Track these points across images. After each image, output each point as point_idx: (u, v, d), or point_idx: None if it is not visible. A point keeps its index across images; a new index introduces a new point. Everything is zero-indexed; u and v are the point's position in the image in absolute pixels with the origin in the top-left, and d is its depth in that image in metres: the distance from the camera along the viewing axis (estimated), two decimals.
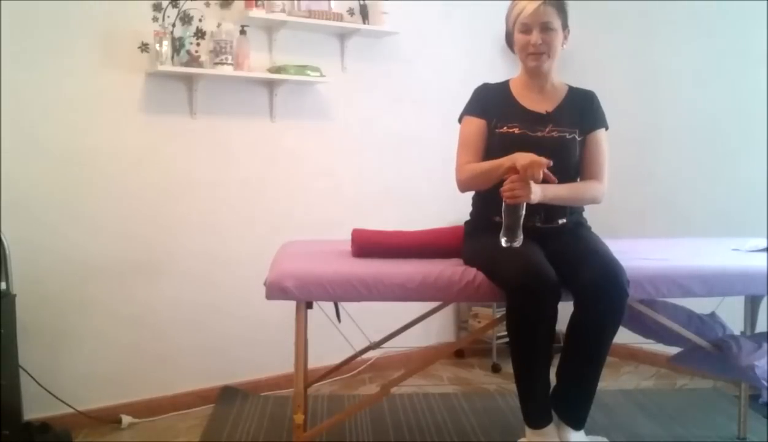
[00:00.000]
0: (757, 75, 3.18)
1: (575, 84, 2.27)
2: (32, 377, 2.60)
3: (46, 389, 2.65)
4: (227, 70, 2.92)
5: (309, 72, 3.13)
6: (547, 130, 2.13)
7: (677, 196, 3.50)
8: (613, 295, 1.87)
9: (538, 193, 1.95)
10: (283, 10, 3.03)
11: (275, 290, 1.93)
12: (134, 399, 2.89)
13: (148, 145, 2.90)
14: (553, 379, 1.99)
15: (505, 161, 1.99)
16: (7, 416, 2.37)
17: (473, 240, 2.16)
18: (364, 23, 3.31)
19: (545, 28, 2.09)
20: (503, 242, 1.95)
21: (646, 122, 3.62)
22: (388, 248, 2.22)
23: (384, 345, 2.64)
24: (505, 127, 2.14)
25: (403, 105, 3.57)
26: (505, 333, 2.01)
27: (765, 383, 2.22)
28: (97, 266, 2.80)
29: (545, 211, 2.09)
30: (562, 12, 2.13)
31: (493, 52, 3.69)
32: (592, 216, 2.27)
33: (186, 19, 2.90)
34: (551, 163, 1.93)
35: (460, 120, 2.25)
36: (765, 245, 2.38)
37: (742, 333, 2.46)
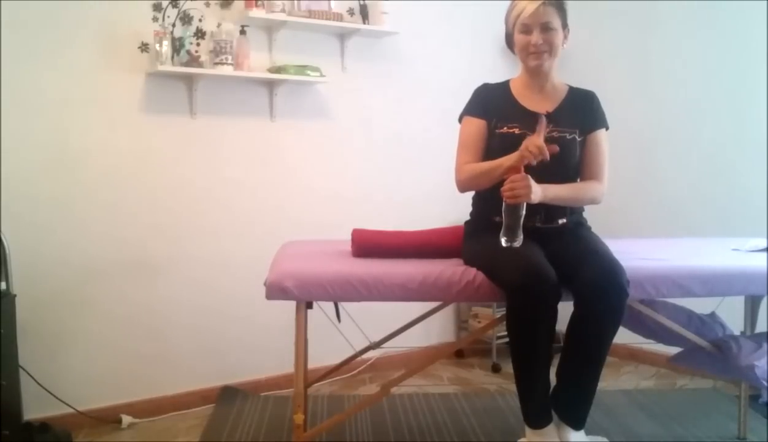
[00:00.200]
0: (757, 75, 3.18)
1: (575, 84, 2.27)
2: (32, 377, 2.60)
3: (46, 389, 2.65)
4: (227, 70, 2.92)
5: (309, 72, 3.13)
6: (548, 130, 2.13)
7: (677, 197, 3.50)
8: (613, 295, 1.87)
9: (538, 193, 1.95)
10: (283, 10, 3.03)
11: (275, 290, 1.93)
12: (134, 399, 2.89)
13: (148, 145, 2.90)
14: (553, 379, 1.99)
15: (505, 161, 2.00)
16: (7, 416, 2.37)
17: (473, 240, 2.16)
18: (364, 23, 3.31)
19: (545, 28, 2.09)
20: (503, 242, 1.95)
21: (646, 122, 3.62)
22: (388, 248, 2.22)
23: (384, 345, 2.64)
24: (505, 128, 2.14)
25: (403, 105, 3.57)
26: (505, 333, 2.01)
27: (765, 383, 2.22)
28: (97, 266, 2.80)
29: (545, 211, 2.09)
30: (562, 11, 2.13)
31: (493, 52, 3.69)
32: (592, 216, 2.27)
33: (186, 19, 2.90)
34: (544, 120, 1.94)
35: (460, 120, 2.25)
36: (765, 245, 2.38)
37: (742, 333, 2.46)
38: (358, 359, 2.82)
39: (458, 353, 3.76)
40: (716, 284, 2.09)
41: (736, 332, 2.41)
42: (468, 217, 2.29)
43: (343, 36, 3.35)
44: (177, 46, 2.85)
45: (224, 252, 3.08)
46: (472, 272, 1.99)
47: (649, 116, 3.62)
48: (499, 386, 3.30)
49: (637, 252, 2.24)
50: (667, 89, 3.54)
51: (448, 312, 3.72)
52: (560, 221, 2.14)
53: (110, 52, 2.78)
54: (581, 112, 2.19)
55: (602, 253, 1.98)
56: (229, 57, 2.91)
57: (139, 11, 2.82)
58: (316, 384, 2.94)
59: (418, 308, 2.51)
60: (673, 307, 2.35)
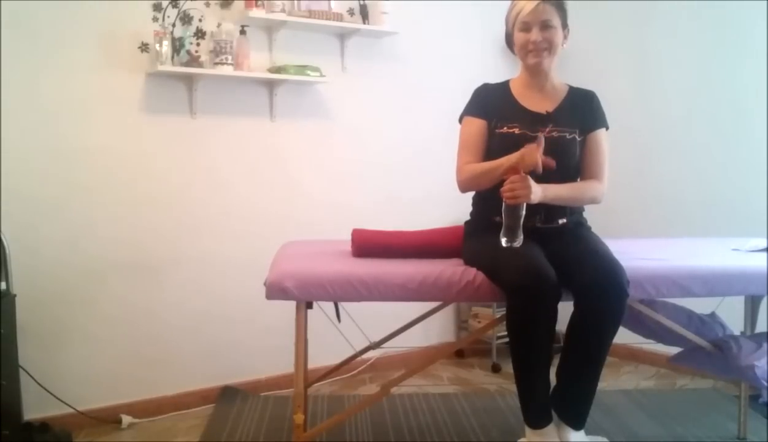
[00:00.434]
0: (757, 75, 3.18)
1: (575, 84, 2.28)
2: (32, 377, 2.60)
3: (46, 389, 2.65)
4: (227, 70, 2.92)
5: (309, 72, 3.13)
6: (548, 130, 2.13)
7: (677, 196, 3.50)
8: (613, 295, 1.87)
9: (538, 193, 1.95)
10: (283, 10, 3.03)
11: (275, 290, 1.93)
12: (134, 399, 2.89)
13: (148, 145, 2.90)
14: (553, 379, 1.99)
15: (505, 161, 2.00)
16: (7, 416, 2.37)
17: (473, 240, 2.16)
18: (364, 23, 3.31)
19: (545, 26, 2.09)
20: (503, 242, 1.95)
21: (645, 122, 3.62)
22: (388, 248, 2.22)
23: (384, 345, 2.64)
24: (505, 128, 2.14)
25: (403, 105, 3.57)
26: (505, 333, 2.01)
27: (765, 383, 2.22)
28: (97, 266, 2.80)
29: (545, 211, 2.09)
30: (562, 11, 2.13)
31: (493, 52, 3.69)
32: (591, 216, 2.27)
33: (186, 19, 2.90)
34: (542, 140, 1.93)
35: (460, 120, 2.25)
36: (765, 245, 2.38)
37: (742, 333, 2.46)
38: (358, 359, 2.82)
39: (458, 353, 3.76)
40: (716, 284, 2.09)
41: (736, 332, 2.41)
42: (468, 218, 2.29)
43: (343, 36, 3.35)
44: (177, 46, 2.85)
45: (224, 252, 3.08)
46: (472, 272, 1.99)
47: (649, 116, 3.62)
48: (499, 386, 3.30)
49: (637, 252, 2.24)
50: (667, 89, 3.54)
51: (448, 312, 3.72)
52: (560, 221, 2.14)
53: (110, 52, 2.78)
54: (581, 111, 2.19)
55: (602, 253, 1.98)
56: (229, 57, 2.91)
57: (139, 11, 2.82)
58: (316, 384, 2.94)
59: (418, 308, 2.51)
60: (673, 307, 2.35)
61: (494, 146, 2.14)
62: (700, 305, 2.36)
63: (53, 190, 2.71)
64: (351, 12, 3.33)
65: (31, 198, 2.66)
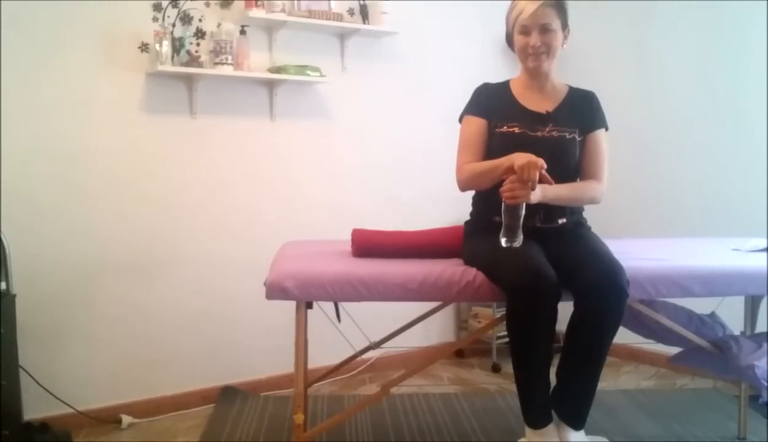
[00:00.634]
0: (757, 75, 3.18)
1: (575, 84, 2.28)
2: (32, 377, 2.60)
3: (46, 389, 2.65)
4: (227, 70, 2.92)
5: (309, 72, 3.13)
6: (547, 130, 2.13)
7: (677, 196, 3.50)
8: (613, 295, 1.87)
9: (537, 193, 1.95)
10: (283, 10, 3.03)
11: (275, 290, 1.93)
12: (134, 399, 2.89)
13: (148, 145, 2.90)
14: (553, 379, 1.99)
15: (505, 161, 1.99)
16: (7, 416, 2.37)
17: (473, 240, 2.16)
18: (364, 23, 3.31)
19: (545, 30, 2.09)
20: (503, 242, 1.95)
21: (645, 122, 3.62)
22: (388, 248, 2.22)
23: (384, 345, 2.64)
24: (505, 127, 2.14)
25: (403, 105, 3.57)
26: (505, 333, 2.01)
27: (765, 383, 2.22)
28: (97, 266, 2.80)
29: (545, 211, 2.09)
30: (562, 12, 2.13)
31: (493, 52, 3.69)
32: (591, 216, 2.27)
33: (186, 19, 2.90)
34: (545, 166, 1.92)
35: (460, 120, 2.25)
36: (765, 245, 2.38)
37: (742, 333, 2.46)
38: (358, 359, 2.82)
39: (458, 353, 3.76)
40: (716, 284, 2.09)
41: (736, 332, 2.41)
42: (468, 218, 2.29)
43: (343, 36, 3.35)
44: (177, 46, 2.85)
45: (224, 252, 3.08)
46: (472, 272, 1.99)
47: (649, 116, 3.62)
48: (499, 386, 3.30)
49: (637, 252, 2.23)
50: (667, 89, 3.54)
51: (448, 312, 3.72)
52: (560, 221, 2.14)
53: (110, 52, 2.78)
54: (581, 112, 2.19)
55: (602, 253, 1.98)
56: (229, 57, 2.91)
57: (139, 11, 2.82)
58: (316, 384, 2.94)
59: (418, 308, 2.51)
60: (673, 307, 2.35)
61: (494, 146, 2.14)
62: (700, 305, 2.36)
63: (53, 191, 2.71)
64: (351, 12, 3.33)
65: (31, 198, 2.66)
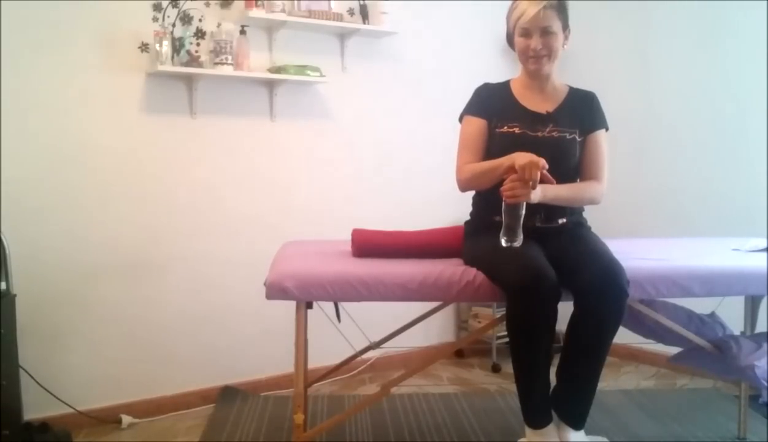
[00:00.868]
0: (757, 75, 3.18)
1: (575, 84, 2.28)
2: (32, 377, 2.60)
3: (46, 389, 2.65)
4: (227, 70, 2.92)
5: (309, 72, 3.13)
6: (548, 130, 2.13)
7: (677, 196, 3.50)
8: (613, 295, 1.87)
9: (538, 193, 1.95)
10: (283, 10, 3.03)
11: (275, 290, 1.93)
12: (134, 399, 2.89)
13: (148, 145, 2.90)
14: (553, 379, 1.99)
15: (505, 161, 1.99)
16: (7, 416, 2.37)
17: (473, 240, 2.16)
18: (364, 23, 3.31)
19: (545, 32, 2.09)
20: (503, 241, 1.95)
21: (645, 122, 3.62)
22: (388, 248, 2.22)
23: (384, 345, 2.64)
24: (505, 127, 2.14)
25: (403, 105, 3.57)
26: (505, 333, 2.01)
27: (765, 383, 2.22)
28: (97, 266, 2.80)
29: (545, 211, 2.09)
30: (563, 13, 2.12)
31: (493, 52, 3.69)
32: (591, 216, 2.27)
33: (186, 19, 2.90)
34: (546, 166, 1.92)
35: (460, 120, 2.25)
36: (765, 245, 2.38)
37: (742, 333, 2.46)
38: (358, 359, 2.82)
39: (458, 353, 3.76)
40: (716, 284, 2.09)
41: (736, 332, 2.41)
42: (468, 218, 2.29)
43: (343, 36, 3.35)
44: (177, 46, 2.85)
45: (224, 252, 3.08)
46: (472, 272, 1.99)
47: (648, 116, 3.62)
48: (499, 386, 3.30)
49: (637, 252, 2.23)
50: (667, 89, 3.54)
51: (448, 312, 3.72)
52: (560, 221, 2.14)
53: (110, 52, 2.78)
54: (581, 112, 2.19)
55: (602, 253, 1.98)
56: (229, 57, 2.91)
57: (139, 11, 2.82)
58: (316, 384, 2.94)
59: (418, 308, 2.51)
60: (673, 307, 2.35)
61: (494, 146, 2.14)
62: (700, 305, 2.36)
63: (53, 191, 2.71)
64: (351, 12, 3.33)
65: (31, 198, 2.66)
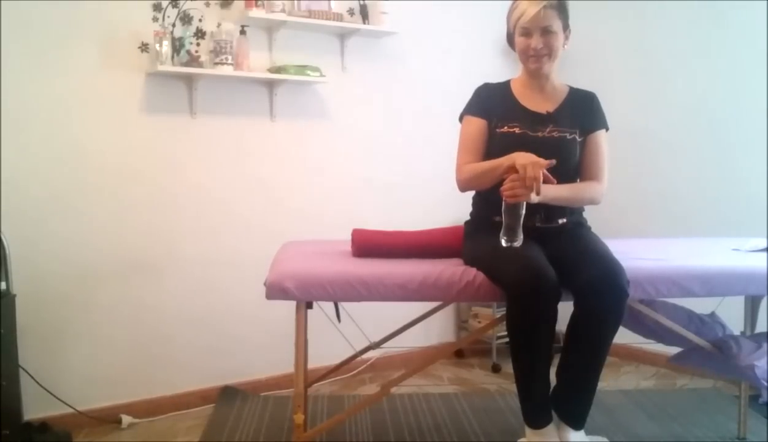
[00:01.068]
0: (757, 75, 3.18)
1: (575, 84, 2.28)
2: (32, 377, 2.60)
3: (46, 389, 2.65)
4: (227, 70, 2.92)
5: (309, 72, 3.13)
6: (548, 130, 2.13)
7: (677, 196, 3.50)
8: (613, 295, 1.87)
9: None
10: (283, 10, 3.03)
11: (275, 291, 1.92)
12: (134, 399, 2.89)
13: (148, 145, 2.90)
14: (553, 379, 1.99)
15: (505, 161, 1.99)
16: (7, 416, 2.37)
17: (473, 240, 2.16)
18: (364, 23, 3.31)
19: (546, 32, 2.09)
20: (503, 241, 1.95)
21: (645, 122, 3.62)
22: (388, 248, 2.22)
23: (384, 345, 2.64)
24: (505, 127, 2.14)
25: (403, 105, 3.57)
26: (505, 333, 2.01)
27: (765, 383, 2.22)
28: (97, 266, 2.81)
29: (545, 211, 2.09)
30: (563, 13, 2.13)
31: (493, 51, 3.69)
32: (592, 216, 2.27)
33: (186, 19, 2.90)
34: (553, 163, 1.92)
35: (460, 120, 2.25)
36: (765, 245, 2.38)
37: (742, 333, 2.46)
38: (358, 359, 2.82)
39: (458, 353, 3.76)
40: (716, 284, 2.09)
41: (736, 332, 2.41)
42: (468, 217, 2.29)
43: (343, 36, 3.35)
44: (177, 46, 2.85)
45: (224, 252, 3.08)
46: (472, 272, 1.99)
47: (649, 116, 3.62)
48: (499, 386, 3.30)
49: (637, 252, 2.23)
50: (667, 89, 3.54)
51: (448, 312, 3.72)
52: (560, 221, 2.14)
53: (110, 52, 2.78)
54: (581, 112, 2.19)
55: (602, 253, 1.98)
56: (229, 57, 2.91)
57: (139, 11, 2.82)
58: (316, 384, 2.94)
59: (418, 308, 2.50)
60: (673, 307, 2.35)
61: (494, 146, 2.13)
62: (700, 305, 2.36)
63: (53, 190, 2.71)
64: (351, 12, 3.33)
65: (31, 198, 2.66)
